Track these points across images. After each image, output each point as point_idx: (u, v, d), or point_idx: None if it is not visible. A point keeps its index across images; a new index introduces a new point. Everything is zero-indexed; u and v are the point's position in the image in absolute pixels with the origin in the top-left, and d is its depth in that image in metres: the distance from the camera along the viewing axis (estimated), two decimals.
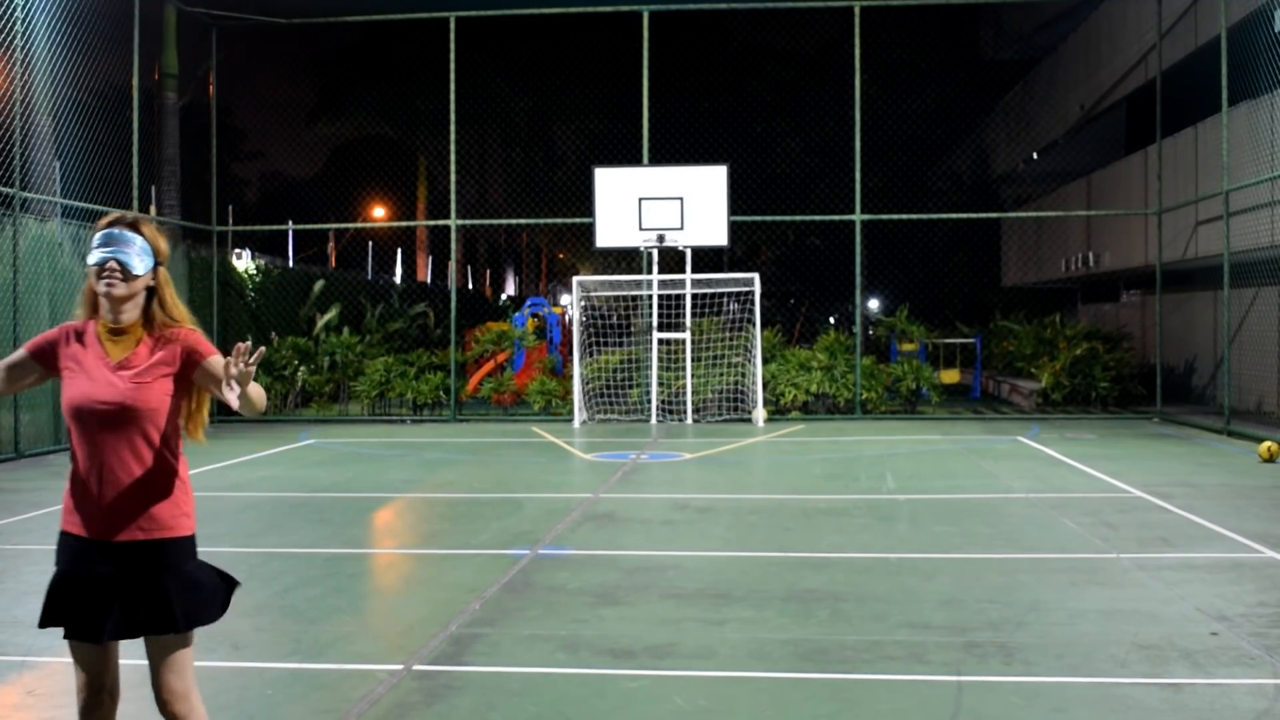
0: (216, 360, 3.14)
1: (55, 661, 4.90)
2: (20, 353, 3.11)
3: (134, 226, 3.09)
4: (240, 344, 2.91)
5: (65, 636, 2.99)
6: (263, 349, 3.12)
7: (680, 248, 16.65)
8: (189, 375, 3.10)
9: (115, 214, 3.14)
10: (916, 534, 7.74)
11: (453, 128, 18.06)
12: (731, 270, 22.30)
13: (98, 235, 3.05)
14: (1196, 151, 17.06)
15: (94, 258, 3.02)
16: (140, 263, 3.05)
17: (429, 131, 31.05)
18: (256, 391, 3.06)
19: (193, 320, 3.21)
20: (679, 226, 16.44)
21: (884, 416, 17.15)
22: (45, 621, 3.02)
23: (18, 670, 4.82)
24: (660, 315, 17.08)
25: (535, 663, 4.87)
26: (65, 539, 3.04)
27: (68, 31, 13.93)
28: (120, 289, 3.02)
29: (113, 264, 3.01)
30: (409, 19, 19.52)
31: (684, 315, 16.88)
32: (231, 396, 2.97)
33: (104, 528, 2.97)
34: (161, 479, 3.03)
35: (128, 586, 2.97)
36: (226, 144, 26.66)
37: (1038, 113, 27.72)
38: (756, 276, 17.08)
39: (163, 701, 3.03)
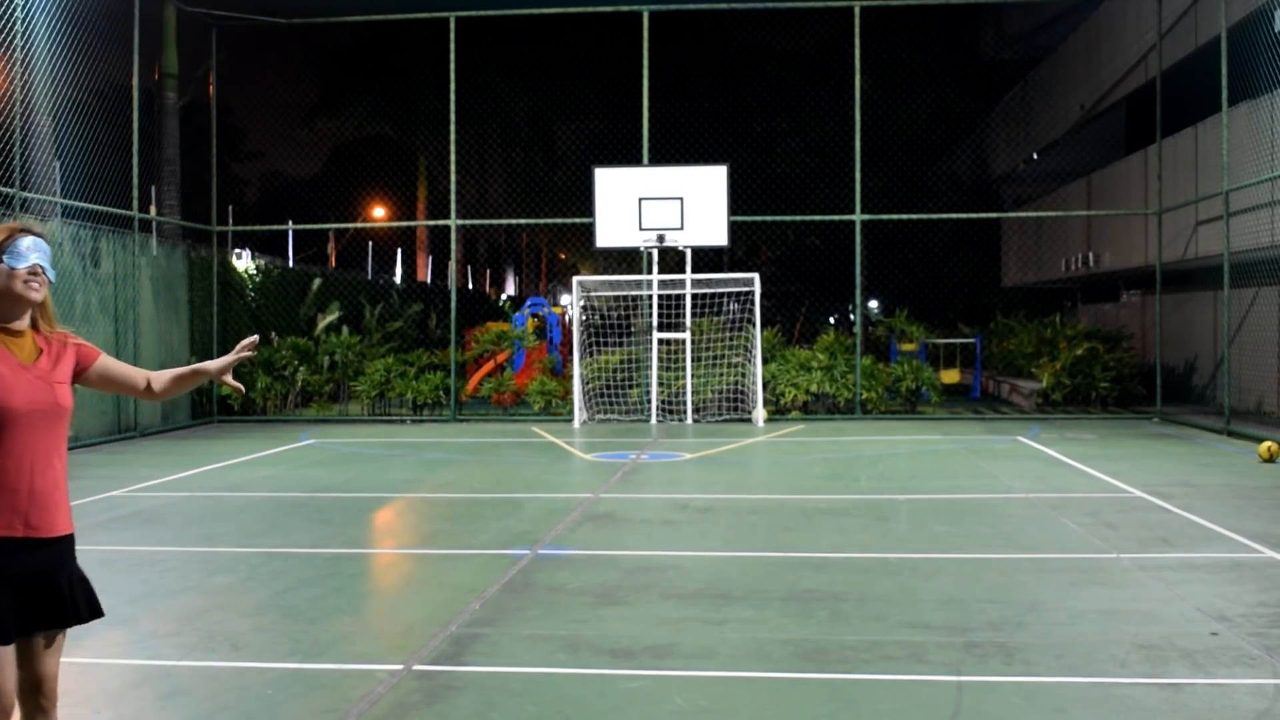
0: (108, 360, 3.35)
1: None
2: None
3: (41, 235, 3.24)
4: (252, 338, 3.45)
5: (4, 643, 3.02)
6: (255, 338, 3.52)
7: (680, 248, 16.65)
8: (78, 378, 3.29)
9: (17, 221, 3.30)
10: (916, 534, 7.74)
11: (453, 128, 18.07)
12: (731, 270, 22.31)
13: (20, 239, 3.15)
14: (1196, 151, 17.06)
15: (19, 261, 3.12)
16: (52, 272, 3.22)
17: (429, 131, 31.06)
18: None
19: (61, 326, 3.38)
20: (679, 226, 16.44)
21: (884, 416, 17.15)
22: None
23: None
24: (660, 315, 17.08)
25: (535, 663, 4.87)
26: None
27: (68, 31, 13.93)
28: (41, 294, 3.17)
29: (38, 267, 3.16)
30: (409, 19, 19.52)
31: (684, 315, 16.88)
32: (229, 378, 3.41)
33: (37, 525, 3.07)
34: (65, 474, 3.22)
35: (50, 580, 3.10)
36: (226, 144, 26.68)
37: (1038, 113, 27.72)
38: (756, 276, 17.08)
39: (38, 686, 3.13)
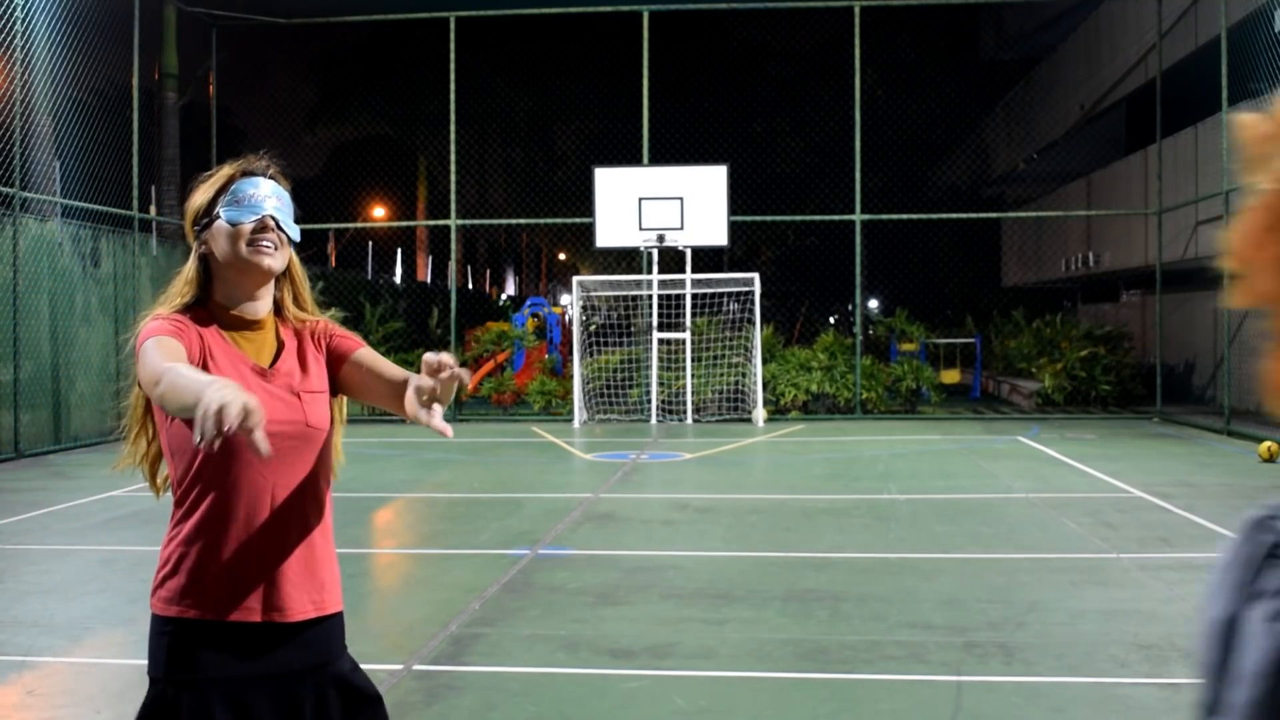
0: (367, 353, 2.25)
1: (55, 661, 4.89)
2: (179, 345, 1.99)
3: (276, 179, 2.19)
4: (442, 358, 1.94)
5: None
6: (456, 371, 1.99)
7: (680, 248, 16.65)
8: (335, 379, 2.25)
9: (241, 161, 2.20)
10: (916, 534, 7.74)
11: (453, 128, 18.06)
12: (731, 270, 22.29)
13: (242, 183, 2.12)
14: (1196, 151, 17.06)
15: (243, 214, 2.08)
16: (294, 229, 2.16)
17: (429, 131, 31.05)
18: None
19: (319, 311, 2.32)
20: (679, 226, 16.43)
21: (884, 416, 17.15)
22: None
23: (18, 670, 4.81)
24: (660, 315, 17.08)
25: (535, 663, 4.86)
26: (194, 629, 2.03)
27: (68, 31, 13.93)
28: (279, 260, 2.12)
29: (270, 220, 2.10)
30: (409, 19, 19.53)
31: (684, 315, 16.88)
32: (435, 419, 2.03)
33: (281, 604, 2.09)
34: (326, 530, 2.20)
35: (292, 688, 2.10)
36: (226, 144, 26.66)
37: (1038, 113, 27.72)
38: (756, 276, 17.08)
39: None
